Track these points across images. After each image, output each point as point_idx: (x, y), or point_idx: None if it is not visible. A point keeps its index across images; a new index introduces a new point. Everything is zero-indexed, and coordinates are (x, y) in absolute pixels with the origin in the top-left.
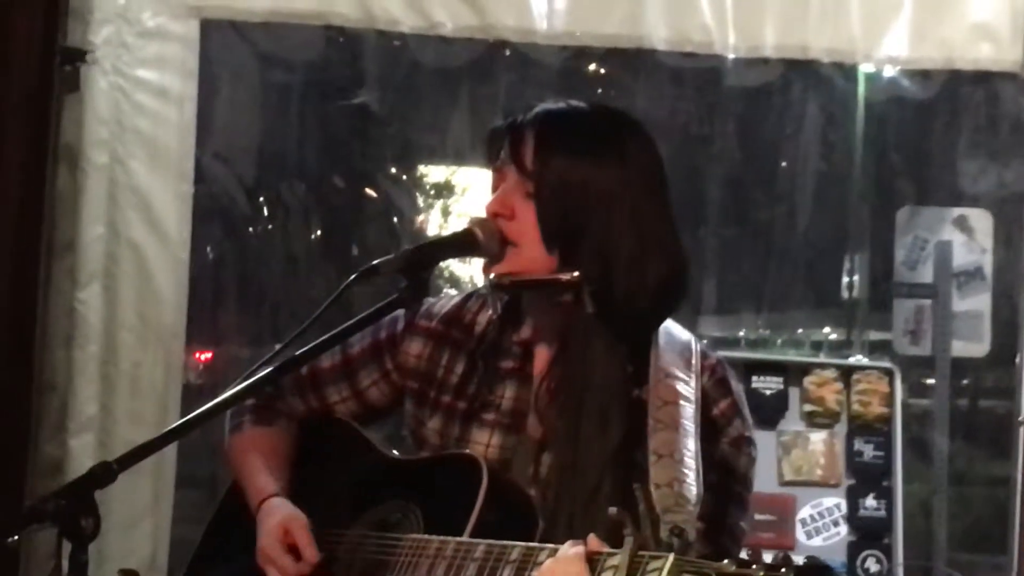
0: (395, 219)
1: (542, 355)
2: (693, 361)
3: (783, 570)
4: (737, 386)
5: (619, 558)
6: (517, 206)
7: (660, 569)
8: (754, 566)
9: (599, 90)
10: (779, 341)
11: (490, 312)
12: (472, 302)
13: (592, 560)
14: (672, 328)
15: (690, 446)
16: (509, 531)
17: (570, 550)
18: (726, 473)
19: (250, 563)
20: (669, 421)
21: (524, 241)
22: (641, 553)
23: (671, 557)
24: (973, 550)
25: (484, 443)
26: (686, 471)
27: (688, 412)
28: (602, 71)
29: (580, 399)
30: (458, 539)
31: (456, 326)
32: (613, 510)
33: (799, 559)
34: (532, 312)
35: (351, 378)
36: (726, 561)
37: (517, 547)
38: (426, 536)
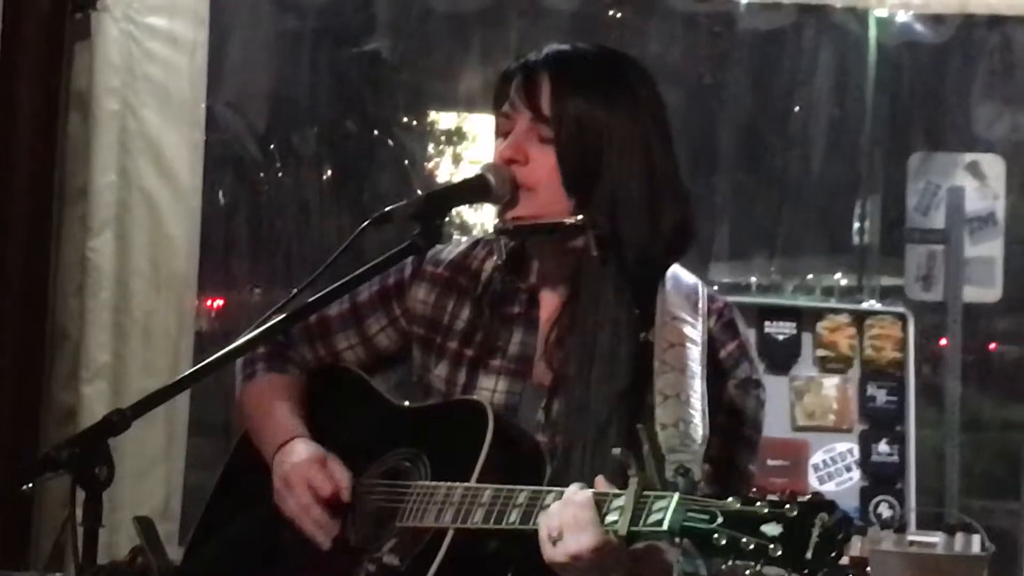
0: (407, 165)
1: (548, 300)
2: (700, 304)
3: (787, 506)
4: (744, 329)
5: (624, 499)
6: (531, 151)
7: (665, 508)
8: (758, 503)
9: (612, 35)
10: (791, 287)
11: (496, 258)
12: (479, 249)
13: (598, 502)
14: (679, 272)
15: (696, 387)
16: (517, 476)
17: (577, 493)
18: (734, 416)
19: (264, 515)
20: (675, 363)
21: (540, 186)
22: (646, 493)
23: (676, 496)
24: (985, 496)
25: (490, 389)
26: (692, 412)
27: (694, 354)
28: (616, 16)
29: (589, 343)
30: (465, 484)
31: (462, 272)
32: (617, 451)
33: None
34: (538, 257)
35: (359, 325)
36: (730, 499)
37: (524, 491)
38: (434, 483)
